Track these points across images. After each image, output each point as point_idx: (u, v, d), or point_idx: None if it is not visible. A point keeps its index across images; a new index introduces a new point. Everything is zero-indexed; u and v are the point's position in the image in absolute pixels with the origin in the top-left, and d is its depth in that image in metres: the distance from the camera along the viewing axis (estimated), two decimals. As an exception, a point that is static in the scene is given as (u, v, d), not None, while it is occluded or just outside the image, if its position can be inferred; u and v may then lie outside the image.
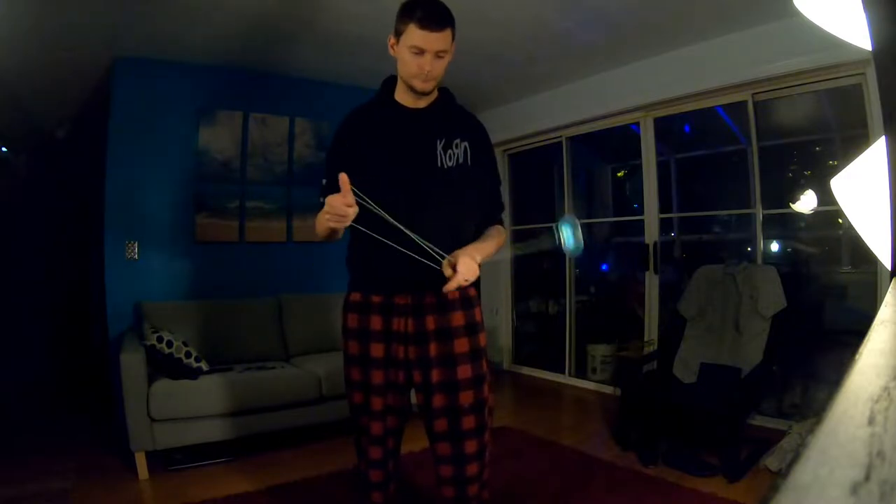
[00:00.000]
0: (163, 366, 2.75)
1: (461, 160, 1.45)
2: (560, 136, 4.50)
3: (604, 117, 4.11)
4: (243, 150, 3.76)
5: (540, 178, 5.41)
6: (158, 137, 3.48)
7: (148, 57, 3.38)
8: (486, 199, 1.54)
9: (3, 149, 4.86)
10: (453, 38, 1.39)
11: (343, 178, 1.23)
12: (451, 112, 1.51)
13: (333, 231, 1.41)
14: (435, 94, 1.48)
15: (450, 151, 1.44)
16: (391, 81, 1.49)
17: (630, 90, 3.80)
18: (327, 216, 1.26)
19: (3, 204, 4.69)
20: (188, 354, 2.82)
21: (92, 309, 3.96)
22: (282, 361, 3.37)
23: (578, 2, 2.89)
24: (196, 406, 2.68)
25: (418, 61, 1.35)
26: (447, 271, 1.30)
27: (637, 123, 3.97)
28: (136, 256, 3.39)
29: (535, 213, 5.35)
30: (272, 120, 3.85)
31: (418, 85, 1.39)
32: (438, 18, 1.33)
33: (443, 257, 1.32)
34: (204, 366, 2.88)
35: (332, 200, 1.23)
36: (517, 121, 4.68)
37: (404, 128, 1.44)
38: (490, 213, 1.56)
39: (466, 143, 1.47)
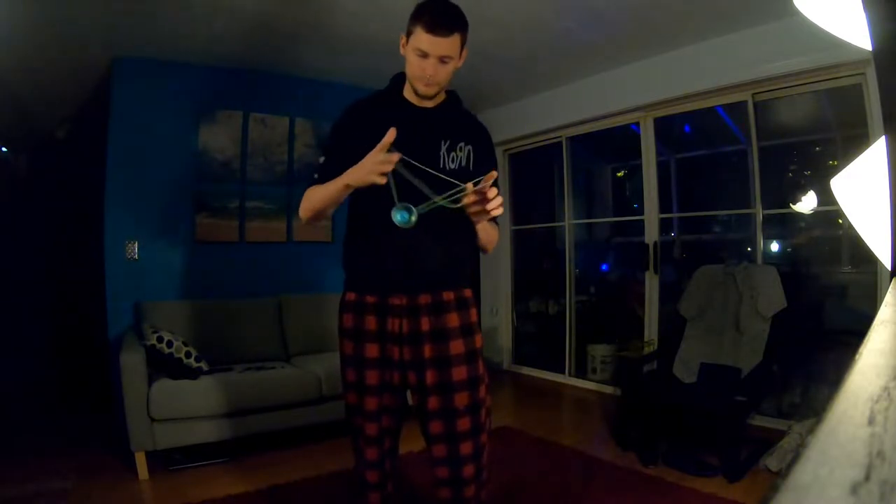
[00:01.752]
0: (163, 366, 2.75)
1: (464, 163, 1.45)
2: (560, 136, 4.50)
3: (604, 117, 4.11)
4: (243, 150, 3.76)
5: (540, 178, 5.41)
6: (158, 137, 3.48)
7: (148, 57, 3.38)
8: None
9: (3, 149, 4.86)
10: (463, 43, 1.38)
11: (392, 131, 1.22)
12: (457, 115, 1.51)
13: (323, 209, 1.41)
14: (442, 96, 1.48)
15: (453, 154, 1.44)
16: (401, 77, 1.48)
17: (630, 90, 3.79)
18: (368, 168, 1.24)
19: (3, 204, 4.69)
20: (188, 354, 2.82)
21: (92, 309, 3.95)
22: (282, 361, 3.37)
23: (578, 2, 2.89)
24: (196, 406, 2.68)
25: (421, 64, 1.35)
26: (470, 198, 1.25)
27: (637, 123, 3.97)
28: (136, 256, 3.39)
29: (536, 213, 5.35)
30: (272, 120, 3.85)
31: (420, 88, 1.39)
32: (446, 23, 1.32)
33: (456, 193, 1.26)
34: (204, 366, 2.88)
35: (374, 155, 1.23)
36: (517, 121, 4.67)
37: (410, 125, 1.42)
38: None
39: (470, 147, 1.47)
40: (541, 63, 3.82)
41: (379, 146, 1.23)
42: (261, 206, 3.80)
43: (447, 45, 1.33)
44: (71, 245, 4.86)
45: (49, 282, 4.95)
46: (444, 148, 1.43)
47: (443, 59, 1.35)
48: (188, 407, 2.66)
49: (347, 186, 1.32)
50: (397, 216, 1.25)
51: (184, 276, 3.53)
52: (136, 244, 3.39)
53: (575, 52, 3.61)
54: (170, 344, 2.76)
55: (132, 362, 2.57)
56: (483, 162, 1.47)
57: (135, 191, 3.40)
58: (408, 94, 1.46)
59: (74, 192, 4.80)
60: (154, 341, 2.73)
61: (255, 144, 3.80)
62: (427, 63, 1.34)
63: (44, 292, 4.92)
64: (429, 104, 1.46)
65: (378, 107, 1.49)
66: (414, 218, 1.25)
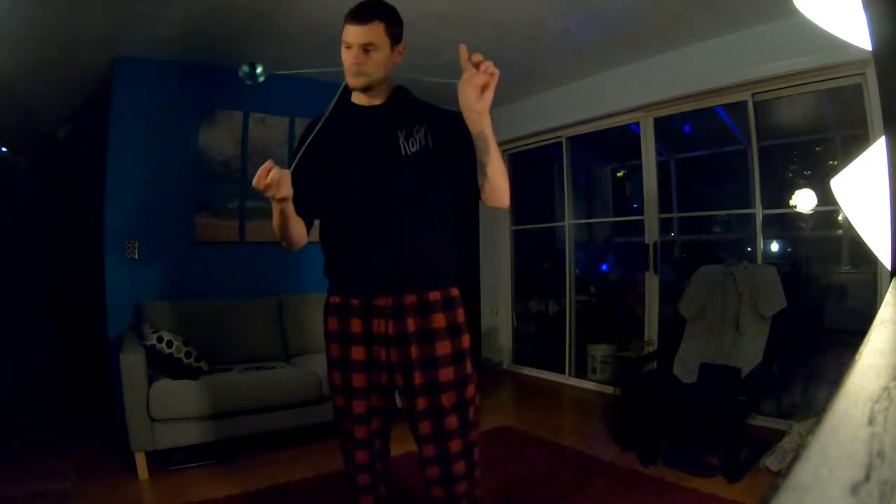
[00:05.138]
0: (163, 366, 2.75)
1: (423, 143, 1.44)
2: (560, 136, 4.50)
3: (604, 117, 4.11)
4: (243, 150, 3.76)
5: (540, 178, 5.41)
6: (158, 137, 3.47)
7: (148, 57, 3.38)
8: (470, 168, 1.45)
9: (3, 149, 4.86)
10: (390, 34, 1.38)
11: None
12: (408, 105, 1.50)
13: (285, 228, 1.44)
14: (387, 92, 1.48)
15: (412, 139, 1.44)
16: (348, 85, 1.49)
17: (630, 90, 3.80)
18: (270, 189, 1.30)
19: (4, 204, 4.69)
20: (188, 354, 2.82)
21: (92, 309, 3.95)
22: (282, 361, 3.37)
23: (578, 2, 2.89)
24: (196, 406, 2.68)
25: (346, 56, 1.38)
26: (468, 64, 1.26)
27: (637, 123, 3.97)
28: (136, 256, 3.39)
29: (535, 213, 5.35)
30: (272, 120, 3.85)
31: (350, 81, 1.40)
32: (364, 12, 1.35)
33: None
34: (204, 366, 2.88)
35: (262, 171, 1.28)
36: (517, 121, 4.67)
37: (364, 125, 1.45)
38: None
39: (426, 126, 1.46)
40: (541, 63, 3.82)
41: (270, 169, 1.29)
42: (261, 206, 3.79)
43: (366, 32, 1.35)
44: (71, 245, 4.86)
45: (49, 282, 4.95)
46: (401, 137, 1.43)
47: (366, 48, 1.36)
48: (188, 407, 2.66)
49: (280, 219, 1.40)
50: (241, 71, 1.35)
51: (184, 276, 3.53)
52: (136, 244, 3.39)
53: (575, 52, 3.61)
54: (170, 344, 2.76)
55: (132, 362, 2.57)
56: (443, 134, 1.45)
57: (135, 191, 3.40)
58: (355, 97, 1.48)
59: (74, 192, 4.80)
60: (154, 341, 2.73)
61: (255, 144, 3.79)
62: (350, 53, 1.37)
63: (44, 292, 4.92)
64: (376, 101, 1.47)
65: (330, 117, 1.47)
66: (259, 70, 1.37)
